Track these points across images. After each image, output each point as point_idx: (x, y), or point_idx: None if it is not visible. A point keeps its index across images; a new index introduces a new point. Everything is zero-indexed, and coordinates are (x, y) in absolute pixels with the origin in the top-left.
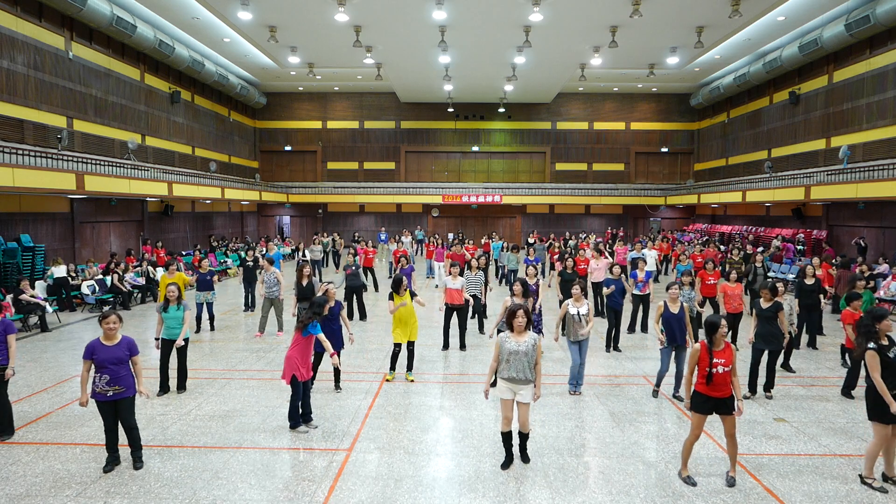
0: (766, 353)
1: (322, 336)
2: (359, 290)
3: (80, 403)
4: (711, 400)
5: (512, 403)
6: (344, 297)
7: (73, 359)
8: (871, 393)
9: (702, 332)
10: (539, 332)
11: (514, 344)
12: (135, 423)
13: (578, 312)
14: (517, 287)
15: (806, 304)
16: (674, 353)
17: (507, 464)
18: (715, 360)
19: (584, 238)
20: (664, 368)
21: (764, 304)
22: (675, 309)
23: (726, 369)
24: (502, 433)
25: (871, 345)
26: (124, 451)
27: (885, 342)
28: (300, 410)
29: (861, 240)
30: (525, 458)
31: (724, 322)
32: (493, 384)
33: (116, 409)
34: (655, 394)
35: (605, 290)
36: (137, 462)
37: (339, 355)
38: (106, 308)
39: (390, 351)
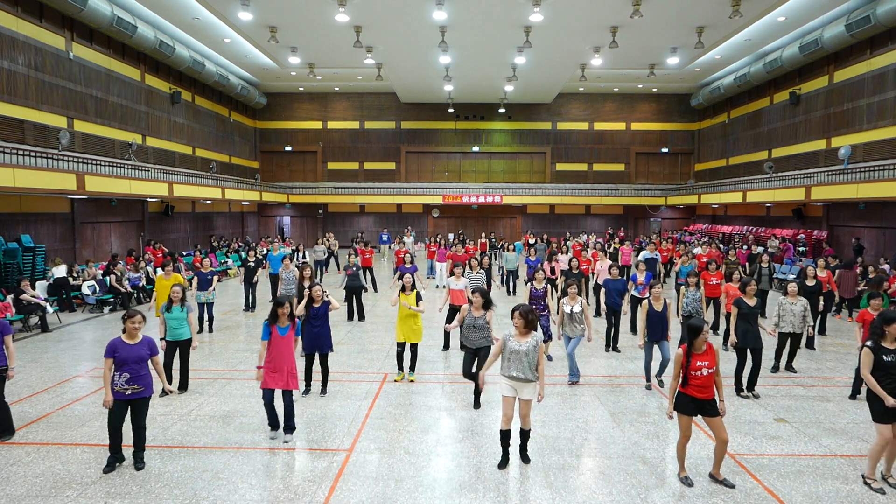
0: (748, 351)
1: (265, 342)
2: (358, 290)
3: (103, 404)
4: (696, 401)
5: (513, 401)
6: (345, 297)
7: (73, 359)
8: (871, 394)
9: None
10: (549, 337)
11: (515, 343)
12: (145, 424)
13: (572, 310)
14: (476, 298)
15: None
16: (656, 346)
17: (503, 463)
18: (698, 364)
19: (577, 240)
20: (648, 360)
21: (750, 303)
22: (658, 307)
23: (710, 371)
24: (501, 431)
25: (869, 343)
26: (126, 451)
27: (889, 345)
28: (272, 414)
29: (857, 240)
30: (525, 459)
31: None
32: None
33: (131, 409)
34: (648, 387)
35: (601, 291)
36: (139, 462)
37: (326, 357)
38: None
39: (390, 351)
